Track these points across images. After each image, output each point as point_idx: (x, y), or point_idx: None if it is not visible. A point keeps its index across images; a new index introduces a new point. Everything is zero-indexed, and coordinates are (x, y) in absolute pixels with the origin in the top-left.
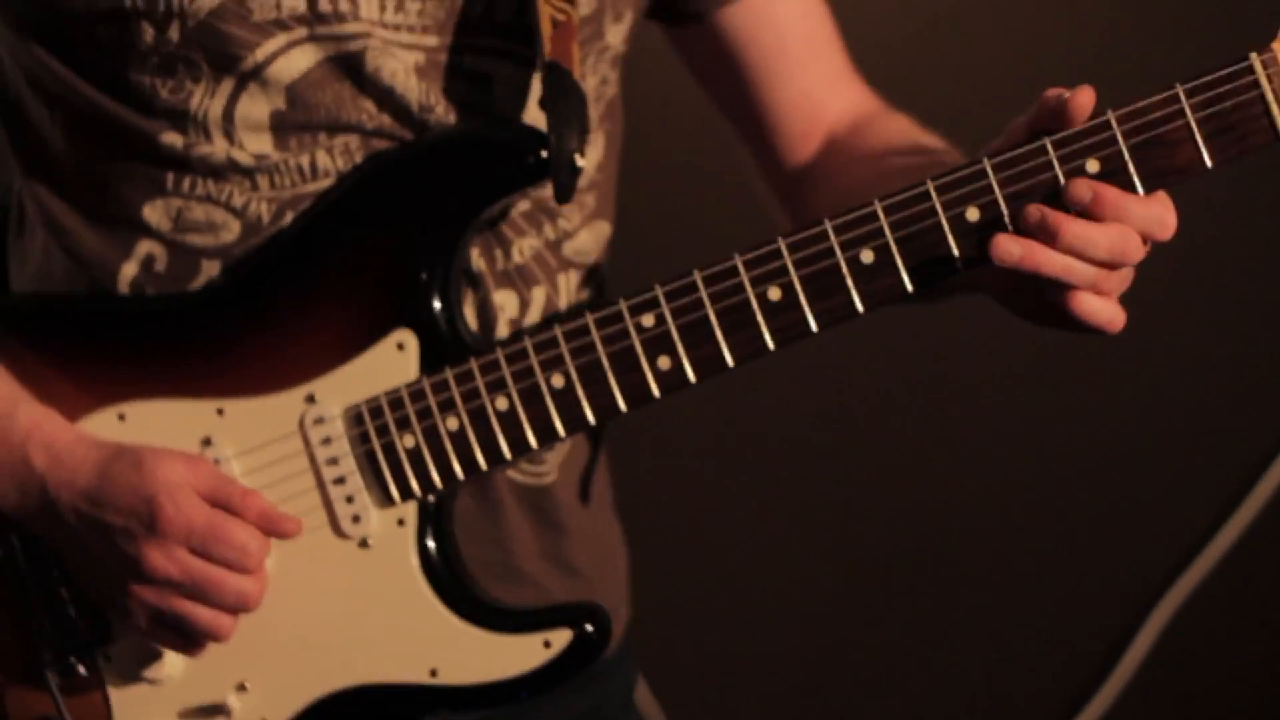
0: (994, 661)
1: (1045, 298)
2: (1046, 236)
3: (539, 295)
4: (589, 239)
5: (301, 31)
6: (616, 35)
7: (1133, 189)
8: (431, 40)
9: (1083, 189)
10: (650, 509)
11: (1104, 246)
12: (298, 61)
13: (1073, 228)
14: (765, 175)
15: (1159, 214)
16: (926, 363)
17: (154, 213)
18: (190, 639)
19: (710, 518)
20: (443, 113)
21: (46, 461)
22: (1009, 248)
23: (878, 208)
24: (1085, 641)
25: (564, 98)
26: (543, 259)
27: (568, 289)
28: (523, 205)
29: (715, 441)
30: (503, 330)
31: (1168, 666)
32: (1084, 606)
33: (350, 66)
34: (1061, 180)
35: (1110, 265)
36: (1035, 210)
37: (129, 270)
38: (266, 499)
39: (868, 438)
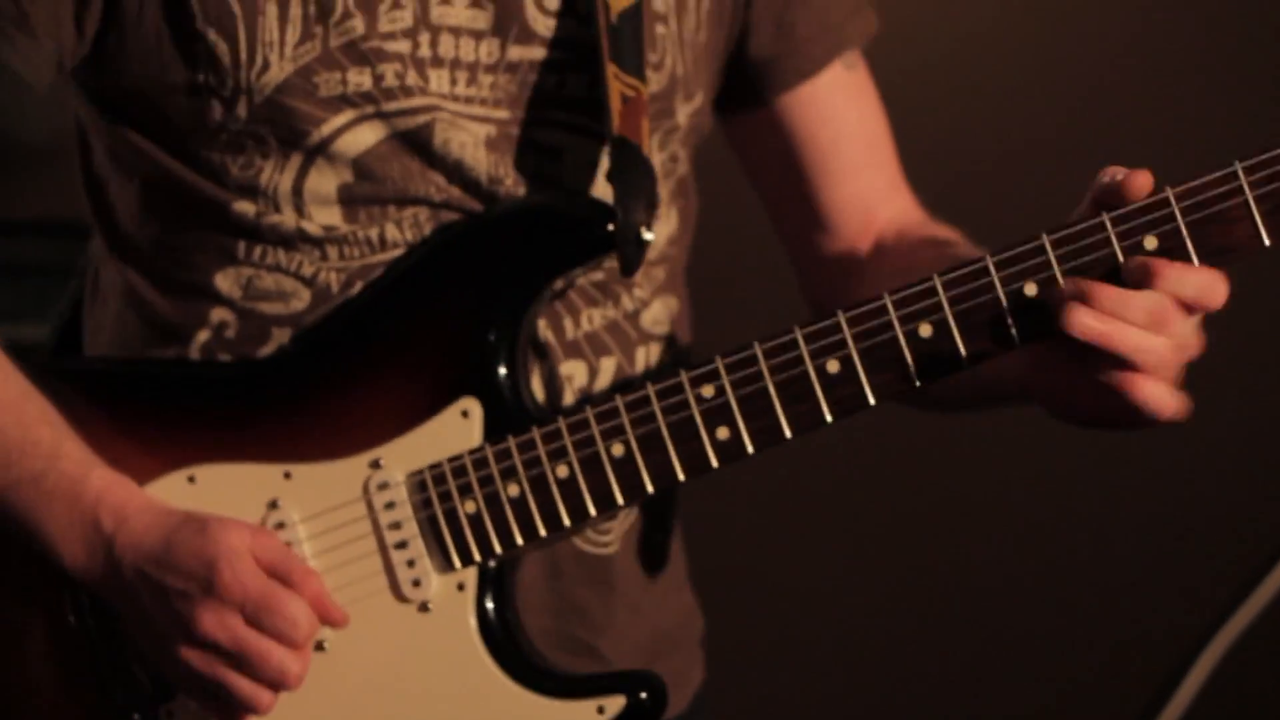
0: (1044, 692)
1: (1105, 386)
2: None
3: (609, 365)
4: (661, 309)
5: (368, 108)
6: (686, 113)
7: None
8: (503, 114)
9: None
10: (726, 570)
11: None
12: (364, 136)
13: (1145, 302)
14: (802, 272)
15: (1210, 281)
16: None
17: (225, 281)
18: (229, 709)
19: (785, 577)
20: (512, 185)
21: (115, 524)
22: (1086, 320)
23: (937, 282)
24: (1136, 674)
25: (631, 172)
26: (618, 329)
27: (645, 360)
28: (596, 275)
29: (787, 503)
30: (570, 400)
31: (1220, 703)
32: (1137, 637)
33: (417, 141)
34: (1120, 257)
35: (1175, 350)
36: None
37: (201, 336)
38: (324, 582)
39: (917, 457)
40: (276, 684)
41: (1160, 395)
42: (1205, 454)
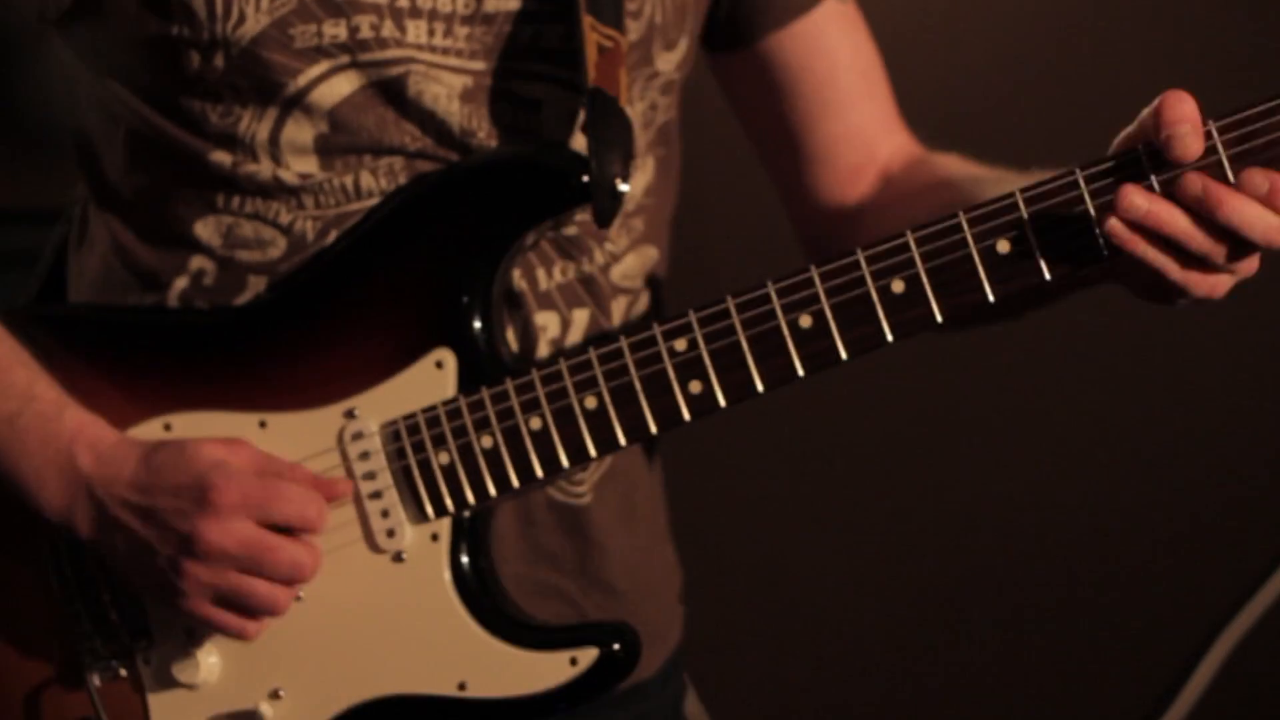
0: (1053, 687)
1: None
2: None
3: (581, 317)
4: (635, 263)
5: (343, 58)
6: (667, 63)
7: None
8: (479, 65)
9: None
10: (706, 527)
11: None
12: (339, 87)
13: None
14: (797, 210)
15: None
16: (996, 380)
17: (206, 229)
18: (247, 615)
19: (766, 533)
20: (485, 137)
21: (92, 461)
22: (1136, 200)
23: (910, 238)
24: (1147, 670)
25: (607, 123)
26: (591, 282)
27: (620, 313)
28: (569, 230)
29: (770, 453)
30: (544, 350)
31: (1230, 696)
32: (1146, 633)
33: (392, 92)
34: (1092, 212)
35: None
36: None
37: (179, 284)
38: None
39: (927, 455)
40: (293, 578)
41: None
42: (1212, 451)
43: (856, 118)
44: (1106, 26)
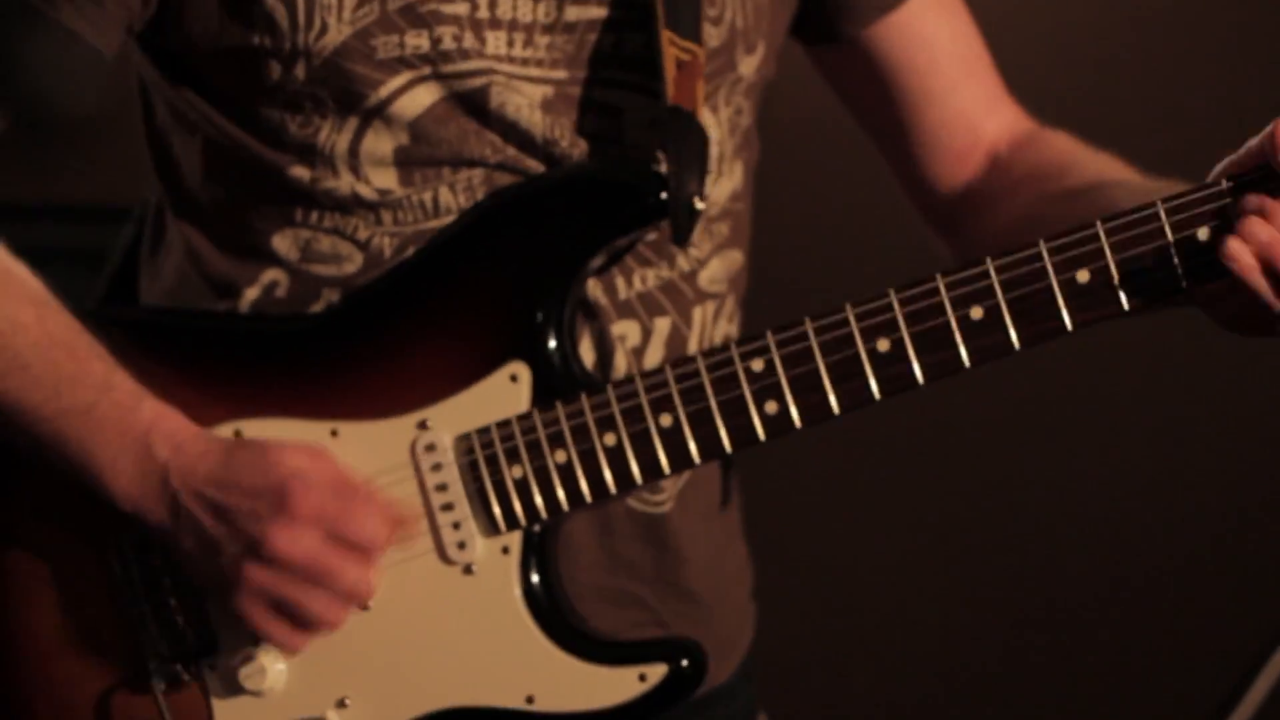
0: (1116, 693)
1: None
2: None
3: (663, 325)
4: (720, 268)
5: (425, 69)
6: (749, 66)
7: None
8: (560, 74)
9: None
10: (778, 531)
11: None
12: (421, 98)
13: None
14: (917, 200)
15: None
16: (1064, 384)
17: (283, 242)
18: (301, 627)
19: (837, 539)
20: (568, 146)
21: (170, 451)
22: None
23: (990, 266)
24: (1207, 676)
25: (684, 139)
26: (674, 289)
27: (702, 319)
28: (650, 235)
29: (844, 460)
30: (623, 360)
31: None
32: (1207, 639)
33: (474, 103)
34: (1172, 244)
35: None
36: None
37: (251, 294)
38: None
39: (992, 463)
40: (354, 597)
41: None
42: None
43: (958, 102)
44: (1106, 26)
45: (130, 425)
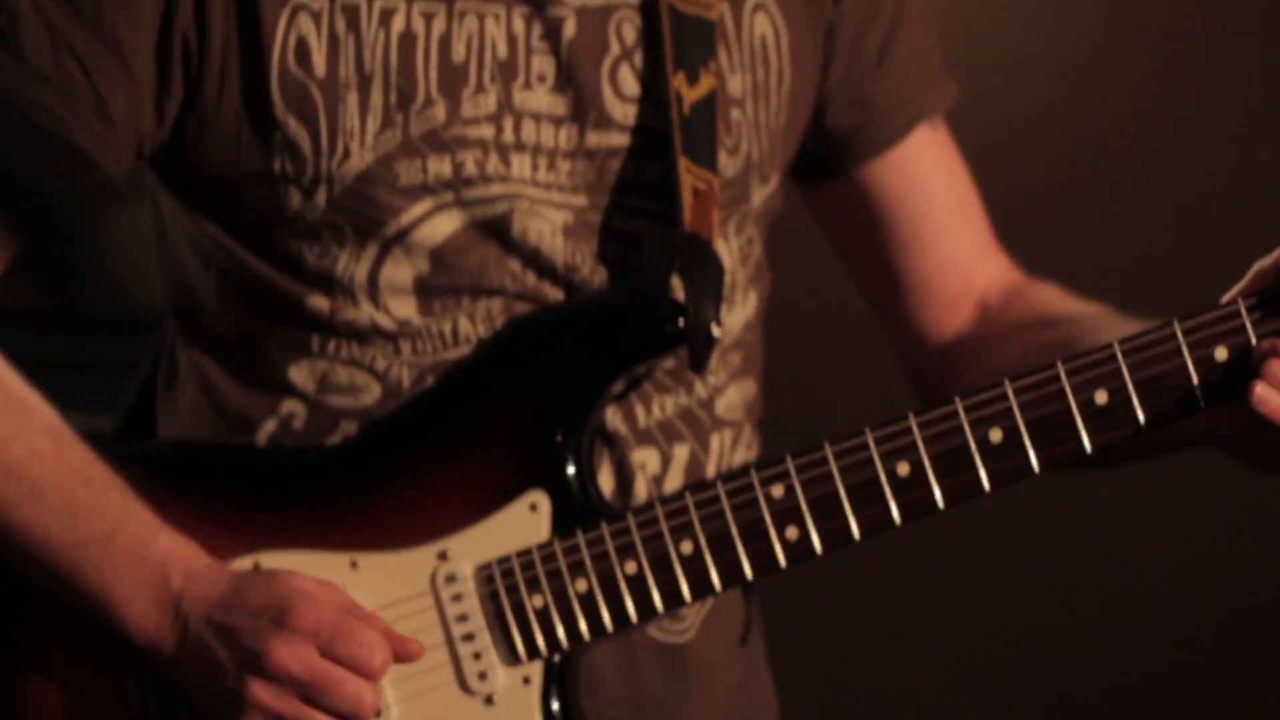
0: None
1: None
2: None
3: (681, 452)
4: (736, 396)
5: (447, 196)
6: (762, 197)
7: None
8: (580, 200)
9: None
10: (803, 661)
11: None
12: (442, 226)
13: None
14: (903, 348)
15: None
16: None
17: (299, 373)
18: None
19: (863, 664)
20: (589, 273)
21: (184, 581)
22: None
23: (1008, 388)
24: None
25: (701, 267)
26: (692, 416)
27: (720, 446)
28: (668, 363)
29: (869, 579)
30: (643, 488)
31: None
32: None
33: (496, 229)
34: (1190, 366)
35: None
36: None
37: (269, 426)
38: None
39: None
40: (352, 714)
41: None
42: None
43: (952, 247)
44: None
45: (146, 557)
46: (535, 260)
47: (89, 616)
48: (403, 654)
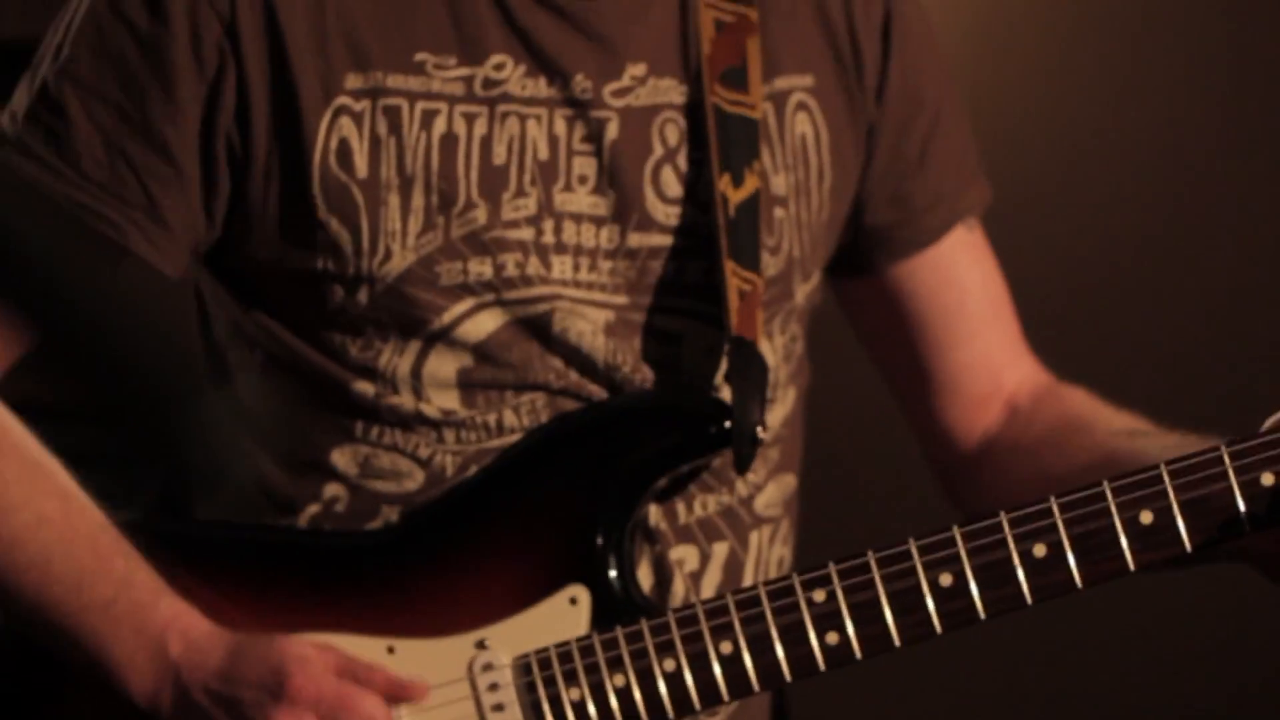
0: None
1: None
2: None
3: (721, 550)
4: (775, 493)
5: (488, 296)
6: (804, 293)
7: None
8: (622, 299)
9: None
10: None
11: None
12: (484, 324)
13: None
14: (930, 445)
15: None
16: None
17: (343, 458)
18: None
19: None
20: (630, 371)
21: (182, 648)
22: None
23: (1053, 504)
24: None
25: (747, 370)
26: (732, 514)
27: (759, 544)
28: (711, 462)
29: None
30: (680, 584)
31: None
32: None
33: (537, 328)
34: (1237, 491)
35: None
36: None
37: (311, 509)
38: (391, 670)
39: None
40: None
41: None
42: None
43: (983, 347)
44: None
45: (147, 623)
46: (577, 358)
47: (94, 679)
48: (406, 697)
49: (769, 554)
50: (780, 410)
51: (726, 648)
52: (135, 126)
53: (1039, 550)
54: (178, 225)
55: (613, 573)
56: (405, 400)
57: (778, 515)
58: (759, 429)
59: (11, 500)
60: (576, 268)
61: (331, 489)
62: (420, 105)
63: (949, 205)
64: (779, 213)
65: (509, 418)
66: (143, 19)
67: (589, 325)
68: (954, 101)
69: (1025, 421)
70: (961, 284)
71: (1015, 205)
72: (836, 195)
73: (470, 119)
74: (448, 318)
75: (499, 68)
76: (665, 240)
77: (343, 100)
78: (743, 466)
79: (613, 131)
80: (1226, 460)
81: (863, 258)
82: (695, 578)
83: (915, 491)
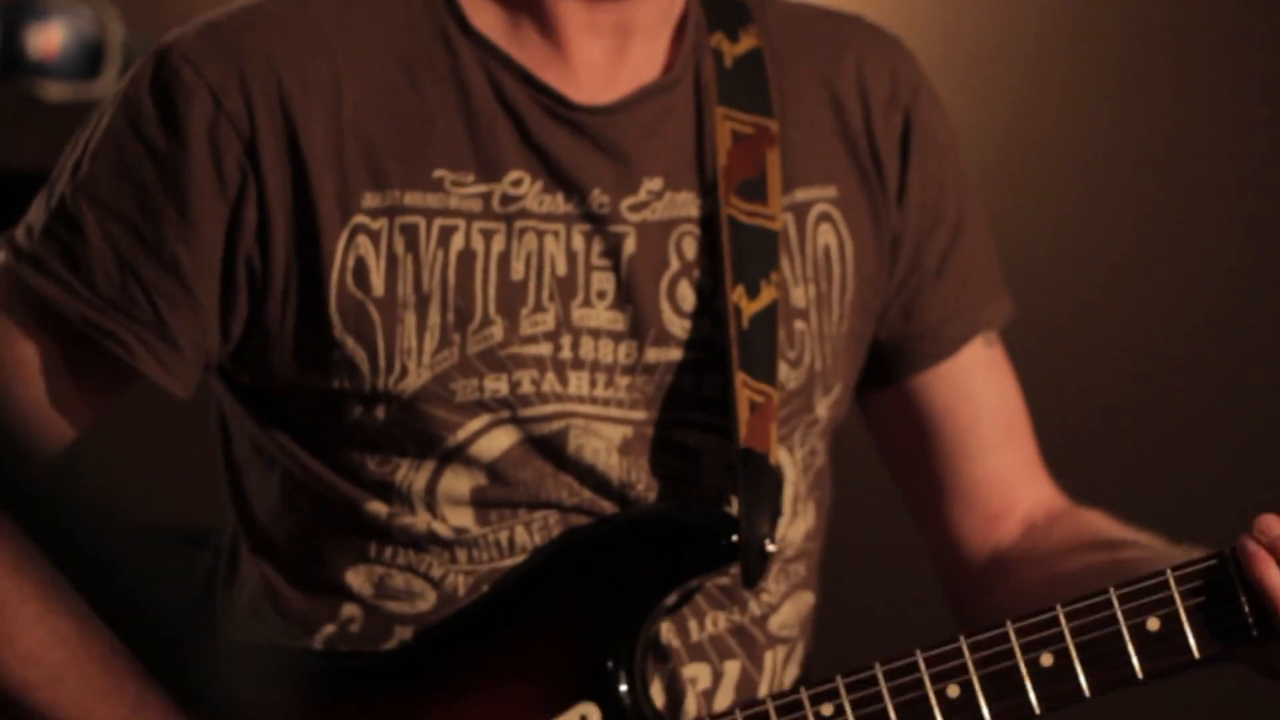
0: None
1: None
2: None
3: (733, 669)
4: (792, 612)
5: (504, 413)
6: (825, 407)
7: None
8: (639, 415)
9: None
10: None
11: None
12: (499, 441)
13: None
14: (943, 560)
15: None
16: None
17: (357, 578)
18: None
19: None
20: (644, 489)
21: None
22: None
23: (1059, 612)
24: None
25: (757, 483)
26: (744, 633)
27: (772, 663)
28: (722, 580)
29: None
30: (693, 702)
31: None
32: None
33: (551, 447)
34: (1243, 598)
35: None
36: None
37: (327, 630)
38: None
39: None
40: None
41: None
42: None
43: (998, 463)
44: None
45: None
46: (590, 476)
47: None
48: None
49: (783, 675)
50: (801, 524)
51: None
52: (149, 247)
53: (1046, 660)
54: (188, 346)
55: (624, 689)
56: (419, 519)
57: (794, 636)
58: (766, 542)
59: (26, 617)
60: (594, 384)
61: (348, 610)
62: (438, 222)
63: (968, 319)
64: (799, 325)
65: (521, 535)
66: (160, 138)
67: (603, 443)
68: (975, 212)
69: (1042, 537)
70: (977, 400)
71: (1016, 207)
72: (859, 307)
73: (488, 235)
74: (462, 435)
75: (517, 184)
76: (681, 354)
77: (360, 219)
78: (750, 581)
79: (630, 246)
80: (1231, 566)
81: (877, 368)
82: (708, 696)
83: (924, 598)
